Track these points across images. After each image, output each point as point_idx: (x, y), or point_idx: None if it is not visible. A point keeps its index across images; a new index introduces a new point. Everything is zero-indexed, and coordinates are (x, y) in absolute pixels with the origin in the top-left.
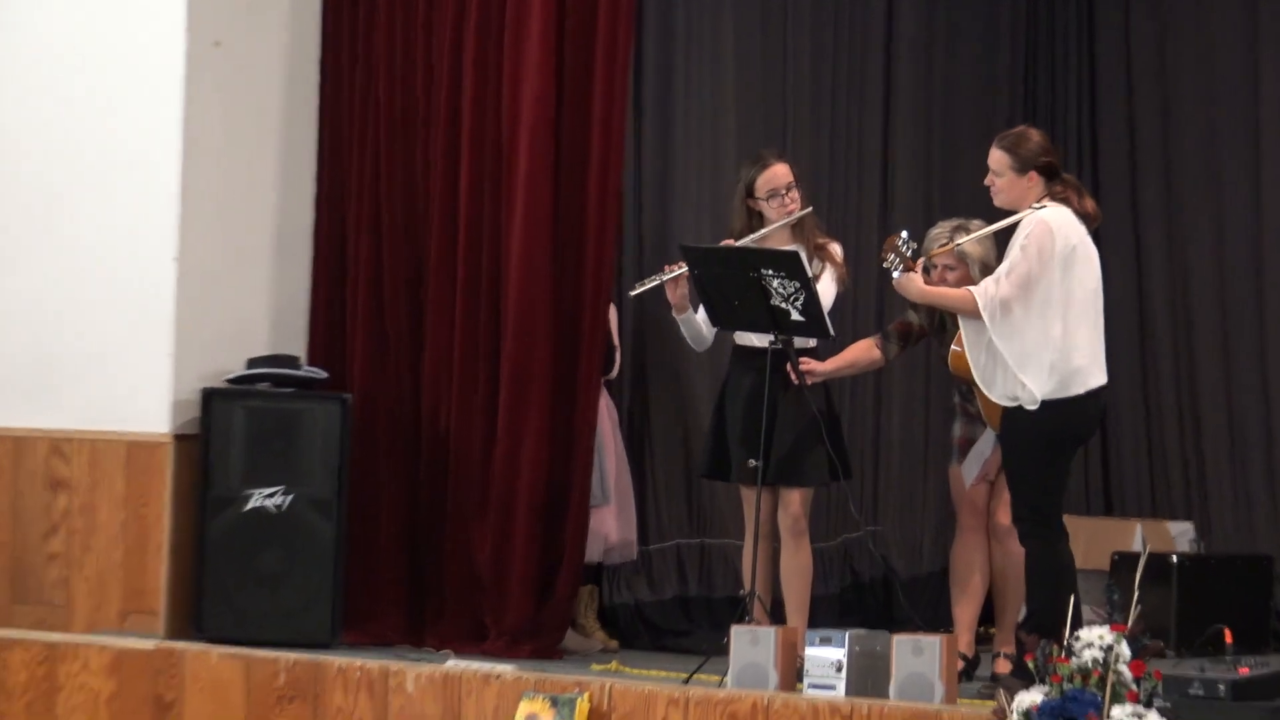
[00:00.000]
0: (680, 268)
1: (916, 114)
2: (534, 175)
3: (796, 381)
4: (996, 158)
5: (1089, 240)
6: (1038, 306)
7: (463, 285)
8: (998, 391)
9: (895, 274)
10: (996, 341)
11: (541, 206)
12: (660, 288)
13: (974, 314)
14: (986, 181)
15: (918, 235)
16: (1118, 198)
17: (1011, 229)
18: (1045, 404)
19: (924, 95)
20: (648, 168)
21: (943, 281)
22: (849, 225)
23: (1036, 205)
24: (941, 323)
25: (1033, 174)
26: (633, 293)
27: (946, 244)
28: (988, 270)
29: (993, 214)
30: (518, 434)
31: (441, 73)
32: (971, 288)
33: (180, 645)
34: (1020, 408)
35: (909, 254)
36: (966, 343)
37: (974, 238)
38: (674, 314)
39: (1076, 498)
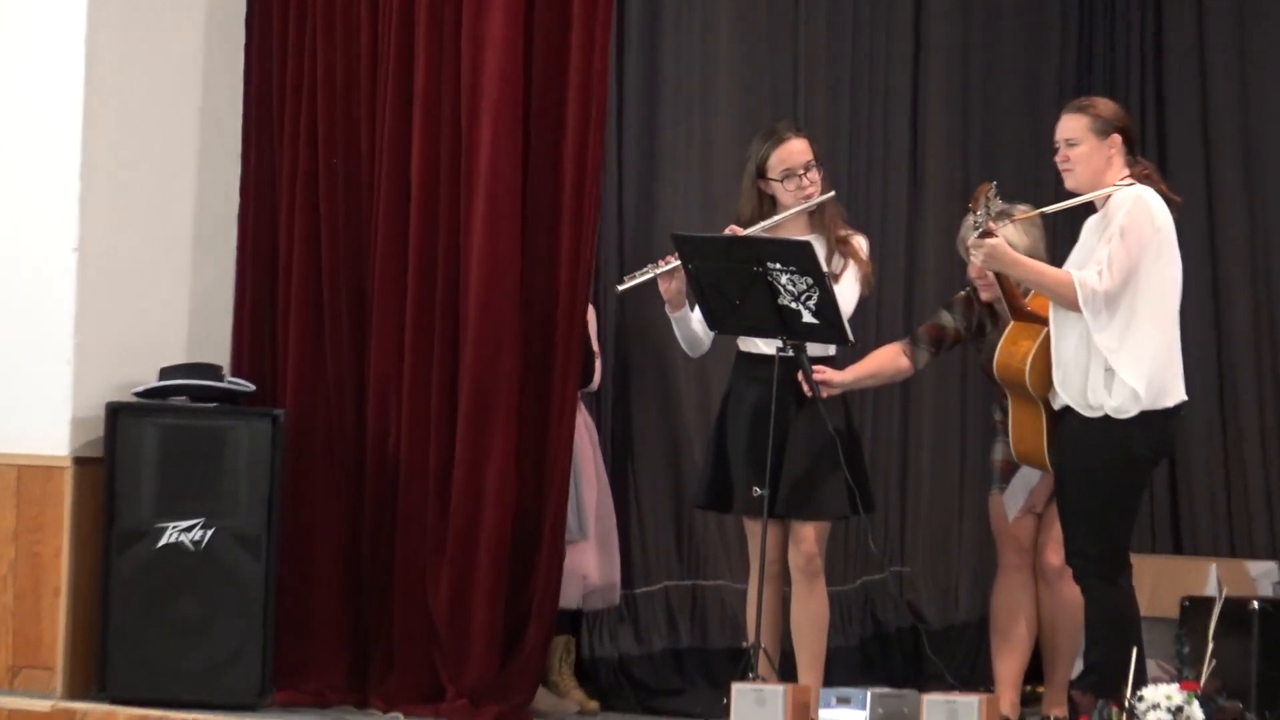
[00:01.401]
0: (673, 260)
1: (951, 84)
2: (499, 155)
3: (810, 395)
4: (1071, 123)
5: (1174, 229)
6: (1137, 301)
7: (415, 282)
8: (1076, 397)
9: (973, 235)
10: (1096, 339)
11: (507, 191)
12: (652, 281)
13: (1070, 303)
14: (1059, 158)
15: (954, 224)
16: (1189, 179)
17: (1073, 214)
18: (1132, 417)
19: (960, 62)
20: (630, 146)
21: (981, 277)
22: (872, 213)
23: (1123, 182)
24: (980, 326)
25: (1115, 137)
26: (620, 288)
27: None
28: None
29: (1041, 200)
30: (480, 457)
31: (389, 34)
32: (1073, 271)
33: (81, 706)
34: (1101, 420)
35: (994, 214)
36: (1055, 336)
37: (1022, 220)
38: (668, 311)
39: (1140, 533)
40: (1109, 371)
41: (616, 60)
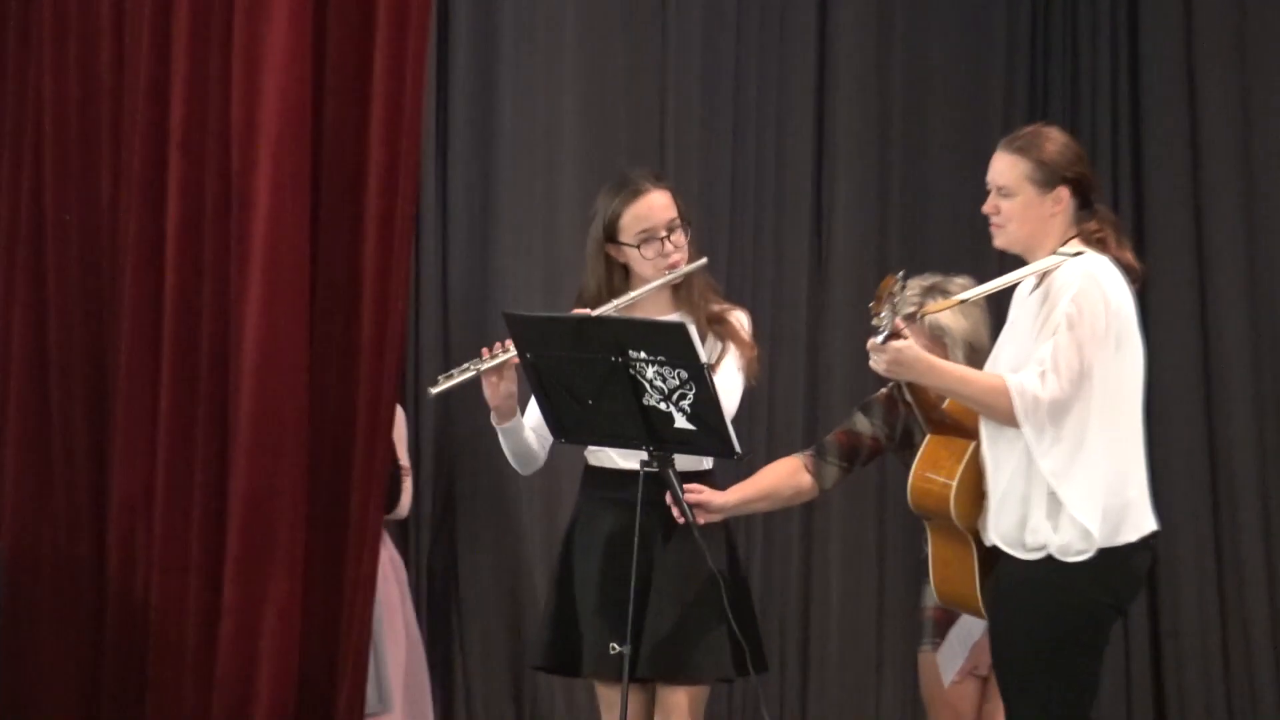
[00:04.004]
0: (505, 352)
1: (866, 125)
2: (281, 210)
3: (682, 521)
4: (1006, 167)
5: (1135, 309)
6: (1091, 410)
7: (171, 378)
8: (1010, 534)
9: (878, 338)
10: (1040, 462)
11: (293, 261)
12: (475, 383)
13: (1005, 416)
14: (987, 208)
15: (869, 298)
16: (1172, 241)
17: (1009, 291)
18: (1086, 560)
19: (877, 99)
20: (457, 203)
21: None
22: (759, 286)
23: (1067, 251)
24: (907, 434)
25: (1061, 190)
26: (433, 390)
27: (914, 311)
28: (975, 353)
29: (979, 268)
30: (254, 604)
31: (138, 51)
32: (1006, 375)
33: None
34: (1044, 563)
35: (902, 310)
36: (987, 455)
37: (961, 300)
38: (494, 421)
39: (1113, 705)
40: (1055, 503)
41: (438, 91)
